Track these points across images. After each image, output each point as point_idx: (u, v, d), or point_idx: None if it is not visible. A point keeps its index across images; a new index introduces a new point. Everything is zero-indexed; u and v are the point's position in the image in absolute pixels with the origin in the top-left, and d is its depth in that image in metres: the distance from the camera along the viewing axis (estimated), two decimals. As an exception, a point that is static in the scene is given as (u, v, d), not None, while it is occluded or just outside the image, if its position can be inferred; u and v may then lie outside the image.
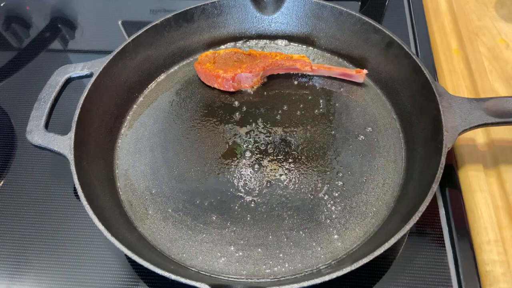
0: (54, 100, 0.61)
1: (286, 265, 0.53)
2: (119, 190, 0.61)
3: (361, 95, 0.69)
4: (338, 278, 0.45)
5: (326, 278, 0.45)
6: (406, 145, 0.63)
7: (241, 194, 0.59)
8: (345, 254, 0.53)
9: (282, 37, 0.77)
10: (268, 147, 0.64)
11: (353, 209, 0.57)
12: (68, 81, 0.64)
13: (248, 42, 0.78)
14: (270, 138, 0.65)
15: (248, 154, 0.63)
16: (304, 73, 0.72)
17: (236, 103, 0.70)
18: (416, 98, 0.62)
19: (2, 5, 0.95)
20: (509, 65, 0.71)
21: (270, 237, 0.55)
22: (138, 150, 0.65)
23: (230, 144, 0.65)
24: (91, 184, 0.56)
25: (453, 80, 0.70)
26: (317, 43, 0.75)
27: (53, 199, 0.63)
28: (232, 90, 0.71)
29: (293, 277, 0.52)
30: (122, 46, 0.67)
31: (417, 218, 0.47)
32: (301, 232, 0.55)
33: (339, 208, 0.57)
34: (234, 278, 0.53)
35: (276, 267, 0.53)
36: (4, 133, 0.71)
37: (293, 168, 0.62)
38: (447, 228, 0.57)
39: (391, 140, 0.64)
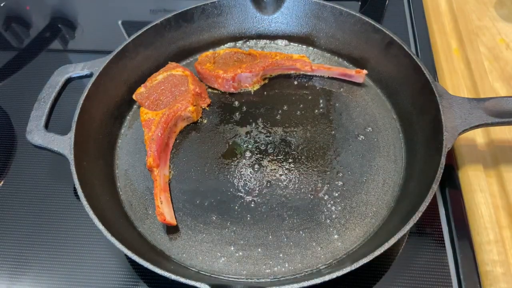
0: (54, 100, 0.61)
1: (286, 265, 0.53)
2: (119, 190, 0.61)
3: (361, 95, 0.69)
4: (338, 278, 0.45)
5: (326, 278, 0.45)
6: (406, 145, 0.63)
7: (241, 194, 0.59)
8: (345, 254, 0.53)
9: (282, 37, 0.77)
10: (268, 147, 0.64)
11: (353, 209, 0.57)
12: (68, 81, 0.64)
13: (248, 42, 0.78)
14: (270, 138, 0.65)
15: (248, 154, 0.63)
16: (304, 73, 0.72)
17: (236, 103, 0.70)
18: (416, 98, 0.62)
19: (2, 5, 0.95)
20: (509, 65, 0.71)
21: (270, 237, 0.55)
22: (138, 150, 0.65)
23: (230, 144, 0.65)
24: (91, 184, 0.56)
25: (453, 80, 0.70)
26: (317, 43, 0.75)
27: (53, 199, 0.63)
28: (232, 90, 0.71)
29: (293, 277, 0.52)
30: (122, 46, 0.67)
31: (417, 218, 0.47)
32: (301, 232, 0.55)
33: (339, 208, 0.57)
34: (234, 278, 0.53)
35: (276, 267, 0.53)
36: (4, 133, 0.71)
37: (293, 168, 0.62)
38: (447, 228, 0.57)
39: (391, 140, 0.64)
